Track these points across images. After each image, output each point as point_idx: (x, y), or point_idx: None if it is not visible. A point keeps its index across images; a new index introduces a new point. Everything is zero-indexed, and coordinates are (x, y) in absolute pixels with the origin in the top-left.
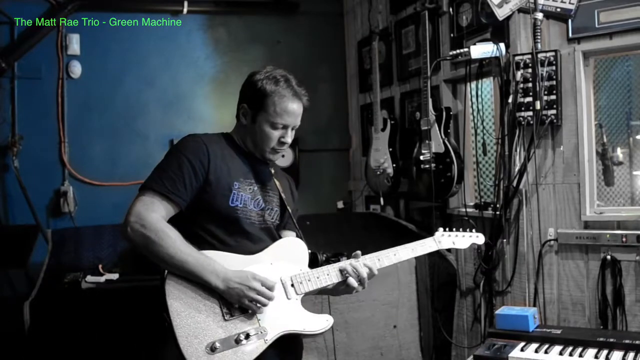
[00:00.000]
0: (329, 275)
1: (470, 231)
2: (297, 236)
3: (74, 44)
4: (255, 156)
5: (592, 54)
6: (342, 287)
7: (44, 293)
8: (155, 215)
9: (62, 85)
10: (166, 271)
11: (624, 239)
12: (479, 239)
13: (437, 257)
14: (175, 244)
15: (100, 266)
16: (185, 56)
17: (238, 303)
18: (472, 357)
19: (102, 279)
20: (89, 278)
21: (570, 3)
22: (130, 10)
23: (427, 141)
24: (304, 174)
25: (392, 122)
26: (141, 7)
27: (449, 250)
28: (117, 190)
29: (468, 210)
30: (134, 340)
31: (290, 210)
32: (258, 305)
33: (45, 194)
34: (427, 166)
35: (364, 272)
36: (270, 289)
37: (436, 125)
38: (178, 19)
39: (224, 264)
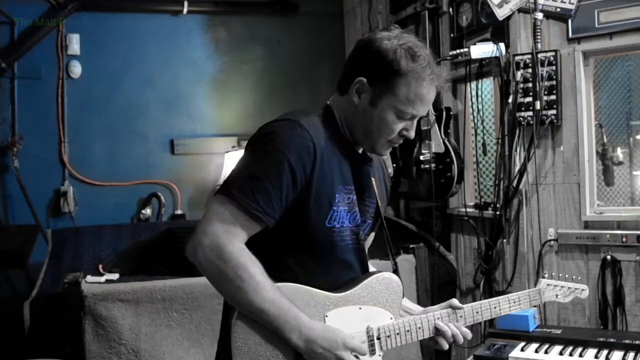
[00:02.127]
0: (420, 329)
1: (572, 280)
2: (383, 245)
3: (74, 44)
4: (362, 147)
5: (592, 54)
6: (428, 341)
7: (44, 293)
8: (238, 243)
9: (62, 85)
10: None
11: (624, 239)
12: (584, 292)
13: (437, 257)
14: (258, 287)
15: (100, 266)
16: (185, 56)
17: None
18: (472, 357)
19: (102, 279)
20: (89, 278)
21: (570, 3)
22: (130, 10)
23: (427, 141)
24: None
25: None
26: (141, 7)
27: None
28: (117, 190)
29: (468, 210)
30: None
31: (383, 221)
32: None
33: (45, 194)
34: (427, 166)
35: (461, 338)
36: (361, 355)
37: (436, 125)
38: (178, 19)
39: (305, 306)
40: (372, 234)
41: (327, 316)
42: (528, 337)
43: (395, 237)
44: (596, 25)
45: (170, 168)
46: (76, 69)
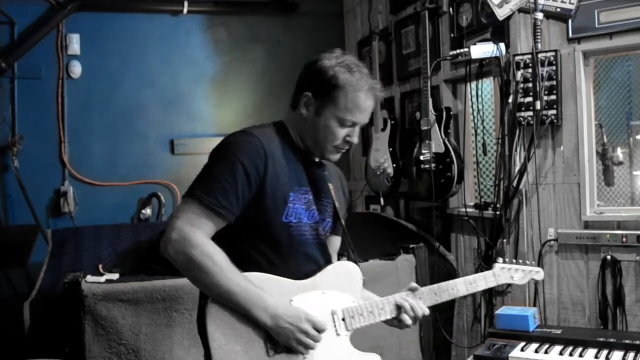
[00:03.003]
0: (383, 309)
1: (529, 264)
2: (343, 246)
3: (74, 44)
4: (314, 155)
5: (592, 54)
6: (393, 322)
7: (44, 293)
8: (201, 234)
9: (62, 85)
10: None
11: (624, 239)
12: (539, 274)
13: (437, 257)
14: (223, 271)
15: (100, 266)
16: (185, 56)
17: (284, 343)
18: (472, 357)
19: (102, 279)
20: (89, 278)
21: (570, 3)
22: (130, 10)
23: (427, 141)
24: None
25: (392, 122)
26: (141, 7)
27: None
28: (117, 190)
29: (468, 210)
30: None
31: (343, 222)
32: (305, 347)
33: (45, 194)
34: (427, 166)
35: (420, 312)
36: (321, 330)
37: (436, 125)
38: (178, 19)
39: (271, 291)
40: (338, 239)
41: (292, 300)
42: (528, 337)
43: (395, 237)
44: (596, 25)
45: (170, 168)
46: (76, 69)
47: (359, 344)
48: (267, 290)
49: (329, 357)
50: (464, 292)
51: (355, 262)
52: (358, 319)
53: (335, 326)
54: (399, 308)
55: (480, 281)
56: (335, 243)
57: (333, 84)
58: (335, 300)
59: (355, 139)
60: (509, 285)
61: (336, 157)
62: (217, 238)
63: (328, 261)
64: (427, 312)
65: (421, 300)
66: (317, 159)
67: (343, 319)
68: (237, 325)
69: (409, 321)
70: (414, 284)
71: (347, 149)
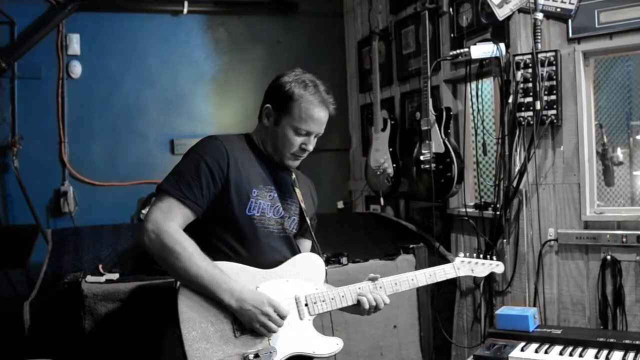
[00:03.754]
0: (344, 297)
1: (490, 258)
2: (313, 248)
3: (74, 44)
4: (276, 161)
5: (592, 54)
6: (354, 309)
7: (44, 293)
8: (173, 224)
9: (62, 85)
10: (179, 282)
11: (624, 239)
12: (499, 267)
13: (437, 257)
14: (192, 257)
15: (100, 266)
16: (185, 56)
17: (248, 325)
18: (472, 357)
19: (102, 279)
20: (89, 278)
21: (570, 3)
22: (130, 10)
23: (427, 141)
24: (304, 174)
25: (392, 122)
26: (141, 7)
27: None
28: (117, 190)
29: (468, 210)
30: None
31: (309, 221)
32: (268, 330)
33: (45, 194)
34: (427, 166)
35: (381, 302)
36: (283, 316)
37: (436, 125)
38: (178, 19)
39: (238, 279)
40: (309, 242)
41: (258, 287)
42: (528, 337)
43: (395, 237)
44: (596, 25)
45: (170, 168)
46: (76, 69)
47: (359, 344)
48: (234, 278)
49: (292, 339)
50: (423, 282)
51: (319, 254)
52: (320, 305)
53: (298, 311)
54: (360, 296)
55: (439, 272)
56: (306, 246)
57: (289, 96)
58: (299, 287)
59: (310, 147)
60: (508, 285)
61: (295, 163)
62: (188, 232)
63: (295, 254)
64: (387, 301)
65: (382, 289)
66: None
67: (306, 305)
68: (206, 307)
69: (367, 309)
70: (374, 274)
71: (304, 156)
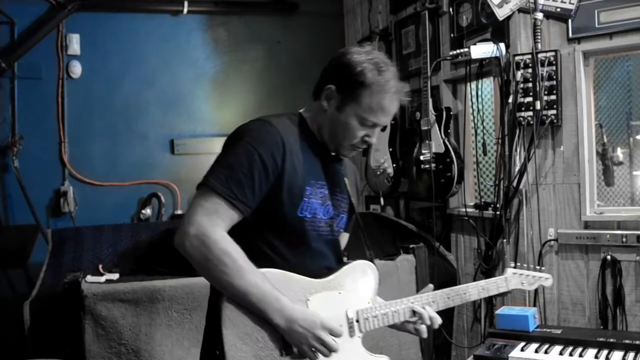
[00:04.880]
0: (396, 313)
1: (540, 270)
2: (361, 243)
3: (74, 44)
4: (329, 149)
5: (592, 54)
6: (402, 326)
7: (44, 293)
8: (220, 230)
9: (62, 85)
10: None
11: (624, 239)
12: (548, 280)
13: (437, 257)
14: (240, 270)
15: (100, 266)
16: (185, 56)
17: (298, 347)
18: (472, 357)
19: (102, 279)
20: (89, 278)
21: (570, 3)
22: (130, 10)
23: (427, 141)
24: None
25: (393, 122)
26: (141, 7)
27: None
28: (117, 190)
29: (468, 210)
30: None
31: (357, 216)
32: (319, 354)
33: (45, 194)
34: (427, 166)
35: (437, 322)
36: (337, 338)
37: (436, 125)
38: (178, 19)
39: (288, 290)
40: (346, 236)
41: (309, 300)
42: (528, 337)
43: (395, 237)
44: (596, 25)
45: (170, 168)
46: (76, 69)
47: None
48: (283, 288)
49: (342, 358)
50: (475, 297)
51: (371, 260)
52: (372, 321)
53: (349, 328)
54: (414, 314)
55: (492, 286)
56: (343, 240)
57: (360, 81)
58: (351, 300)
59: (373, 140)
60: None
61: (351, 154)
62: (230, 232)
63: (339, 258)
64: (440, 322)
65: (435, 304)
66: (333, 153)
67: (357, 321)
68: (252, 325)
69: (424, 333)
70: (431, 285)
71: (362, 147)
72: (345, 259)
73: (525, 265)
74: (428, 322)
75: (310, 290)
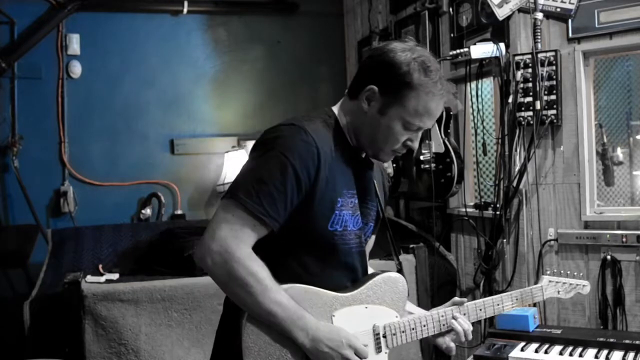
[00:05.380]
0: (425, 327)
1: (573, 276)
2: (389, 249)
3: (74, 44)
4: (365, 154)
5: (592, 54)
6: (437, 340)
7: (44, 293)
8: (245, 248)
9: (62, 85)
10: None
11: (624, 239)
12: (585, 288)
13: (437, 257)
14: (266, 291)
15: (100, 266)
16: (185, 56)
17: None
18: (472, 357)
19: (102, 279)
20: (89, 278)
21: (570, 3)
22: (130, 10)
23: (427, 141)
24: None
25: None
26: (141, 7)
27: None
28: (117, 190)
29: (468, 210)
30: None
31: (387, 221)
32: None
33: (45, 194)
34: (427, 166)
35: (469, 334)
36: (364, 358)
37: (436, 125)
38: (178, 19)
39: (311, 305)
40: (373, 237)
41: (334, 315)
42: (528, 337)
43: (395, 237)
44: (596, 25)
45: (170, 168)
46: (76, 69)
47: None
48: (307, 304)
49: None
50: (509, 308)
51: (399, 270)
52: (400, 336)
53: (375, 344)
54: (443, 326)
55: (527, 296)
56: (370, 243)
57: (406, 81)
58: (378, 315)
59: (415, 144)
60: (508, 285)
61: (391, 158)
62: (255, 244)
63: (365, 270)
64: (470, 337)
65: (465, 316)
66: (363, 155)
67: (384, 336)
68: (274, 344)
69: (452, 350)
70: (459, 299)
71: (404, 153)
72: (370, 270)
73: (562, 272)
74: (463, 339)
75: (336, 305)
